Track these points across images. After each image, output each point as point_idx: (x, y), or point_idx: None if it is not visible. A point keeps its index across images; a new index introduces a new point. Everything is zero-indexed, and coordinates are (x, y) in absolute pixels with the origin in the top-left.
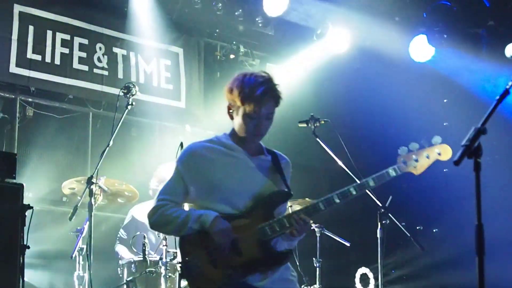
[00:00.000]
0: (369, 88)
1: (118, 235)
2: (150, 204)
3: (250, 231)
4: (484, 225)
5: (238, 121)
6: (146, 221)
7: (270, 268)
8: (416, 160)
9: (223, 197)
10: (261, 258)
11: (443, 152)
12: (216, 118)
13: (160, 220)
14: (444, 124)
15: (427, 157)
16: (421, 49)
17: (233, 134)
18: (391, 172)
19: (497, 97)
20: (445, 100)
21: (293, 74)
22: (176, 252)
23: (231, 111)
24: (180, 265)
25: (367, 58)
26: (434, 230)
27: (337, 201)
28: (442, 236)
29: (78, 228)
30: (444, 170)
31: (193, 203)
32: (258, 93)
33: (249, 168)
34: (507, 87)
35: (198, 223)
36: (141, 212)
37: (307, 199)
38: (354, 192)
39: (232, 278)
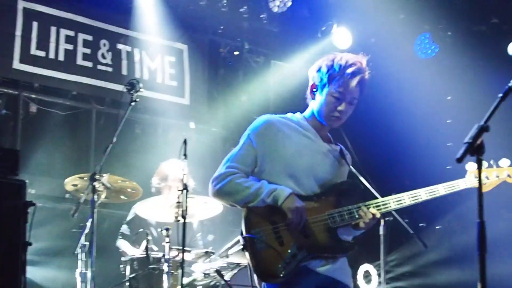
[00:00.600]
0: (373, 85)
1: (121, 231)
2: (154, 200)
3: (319, 216)
4: (486, 222)
5: (320, 100)
6: (149, 217)
7: (334, 256)
8: (487, 178)
9: (292, 174)
10: (327, 244)
11: None
12: (220, 115)
13: (228, 187)
14: (448, 121)
15: (497, 176)
16: (425, 46)
17: (309, 116)
18: (462, 184)
19: (500, 95)
20: (448, 97)
21: (297, 71)
22: (179, 249)
23: (314, 90)
24: (243, 236)
25: (371, 55)
26: (437, 227)
27: (407, 203)
28: (445, 233)
29: (81, 225)
30: (447, 167)
31: (258, 176)
32: (348, 73)
33: (321, 153)
34: (510, 84)
35: (271, 197)
36: (144, 209)
37: None
38: (424, 197)
39: (296, 259)
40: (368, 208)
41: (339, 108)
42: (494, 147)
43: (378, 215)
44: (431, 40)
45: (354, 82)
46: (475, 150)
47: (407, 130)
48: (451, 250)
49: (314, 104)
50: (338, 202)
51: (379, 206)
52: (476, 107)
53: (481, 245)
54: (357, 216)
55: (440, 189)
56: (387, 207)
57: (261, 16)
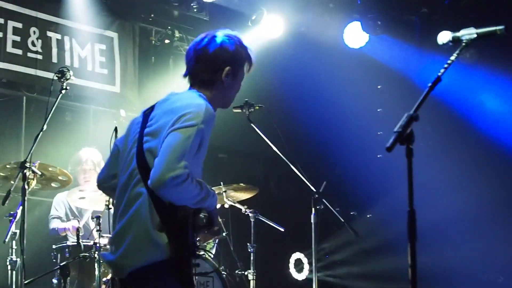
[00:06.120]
0: (304, 74)
1: (51, 215)
2: (81, 189)
3: None
4: (416, 210)
5: (232, 85)
6: (80, 205)
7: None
8: None
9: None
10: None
11: None
12: (151, 103)
13: (191, 189)
14: (378, 110)
15: None
16: (355, 35)
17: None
18: None
19: (429, 84)
20: (378, 86)
21: None
22: (110, 237)
23: (229, 75)
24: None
25: (301, 44)
26: (368, 216)
27: None
28: (376, 221)
29: (11, 212)
30: (378, 156)
31: None
32: (252, 52)
33: None
34: (439, 74)
35: (213, 201)
36: (72, 197)
37: (241, 184)
38: None
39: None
40: None
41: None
42: None
43: None
44: (362, 29)
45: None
46: (405, 139)
47: (338, 119)
48: (382, 239)
49: (220, 90)
50: None
51: None
52: (406, 97)
53: (411, 234)
54: None
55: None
56: None
57: (192, 4)
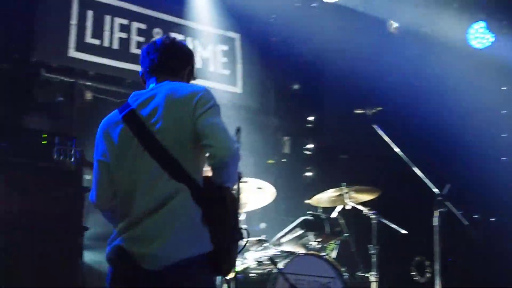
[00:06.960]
0: (426, 76)
1: None
2: None
3: None
4: None
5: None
6: None
7: None
8: None
9: None
10: None
11: None
12: (272, 103)
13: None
14: (502, 112)
15: None
16: (480, 35)
17: None
18: None
19: None
20: (503, 88)
21: (348, 61)
22: None
23: (188, 73)
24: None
25: (424, 45)
26: (491, 219)
27: None
28: (499, 225)
29: None
30: (502, 158)
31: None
32: None
33: None
34: None
35: None
36: None
37: (363, 185)
38: None
39: None
40: None
41: None
42: None
43: None
44: (487, 29)
45: None
46: None
47: (460, 121)
48: (506, 243)
49: None
50: None
51: None
52: None
53: None
54: None
55: None
56: None
57: (313, 5)
